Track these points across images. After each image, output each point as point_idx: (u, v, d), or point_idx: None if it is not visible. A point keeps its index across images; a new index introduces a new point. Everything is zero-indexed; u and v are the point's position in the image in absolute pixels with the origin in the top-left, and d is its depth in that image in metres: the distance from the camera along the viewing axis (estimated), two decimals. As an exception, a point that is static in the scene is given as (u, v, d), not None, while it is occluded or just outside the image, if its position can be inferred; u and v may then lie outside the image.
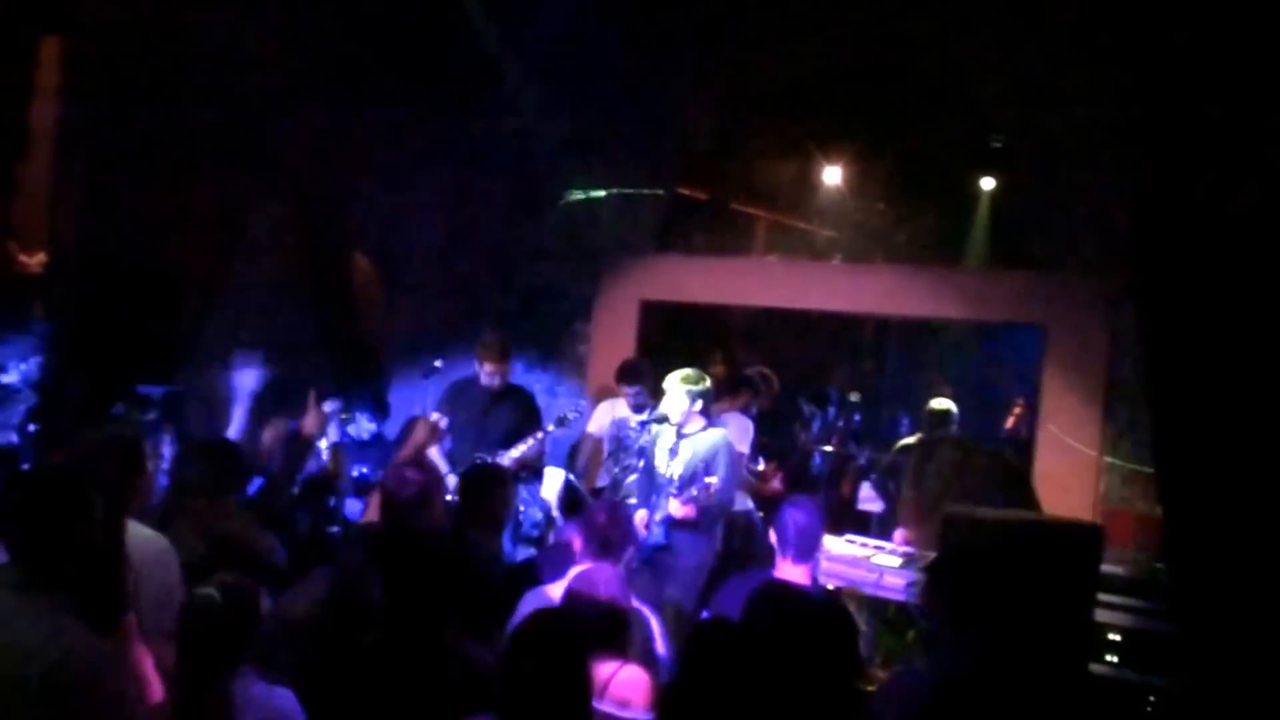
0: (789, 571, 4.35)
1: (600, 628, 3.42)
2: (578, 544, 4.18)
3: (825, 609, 3.30)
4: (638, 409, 6.66)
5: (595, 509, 4.31)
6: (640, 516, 5.88)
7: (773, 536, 4.46)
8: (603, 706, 3.27)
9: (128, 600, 3.14)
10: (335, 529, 5.64)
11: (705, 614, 4.44)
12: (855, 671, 3.23)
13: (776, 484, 7.32)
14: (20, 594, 2.59)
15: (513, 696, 2.70)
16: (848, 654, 3.13)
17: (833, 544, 5.48)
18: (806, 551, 4.40)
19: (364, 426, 7.01)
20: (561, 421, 6.55)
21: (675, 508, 5.69)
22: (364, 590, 3.63)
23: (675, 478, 5.81)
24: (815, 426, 8.68)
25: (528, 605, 3.88)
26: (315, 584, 3.99)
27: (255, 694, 2.97)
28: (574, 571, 3.94)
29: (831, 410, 8.83)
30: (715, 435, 5.92)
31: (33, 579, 2.60)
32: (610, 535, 4.13)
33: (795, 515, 4.39)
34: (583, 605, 3.48)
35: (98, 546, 2.80)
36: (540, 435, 6.45)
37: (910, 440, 7.13)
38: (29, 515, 2.65)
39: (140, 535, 3.60)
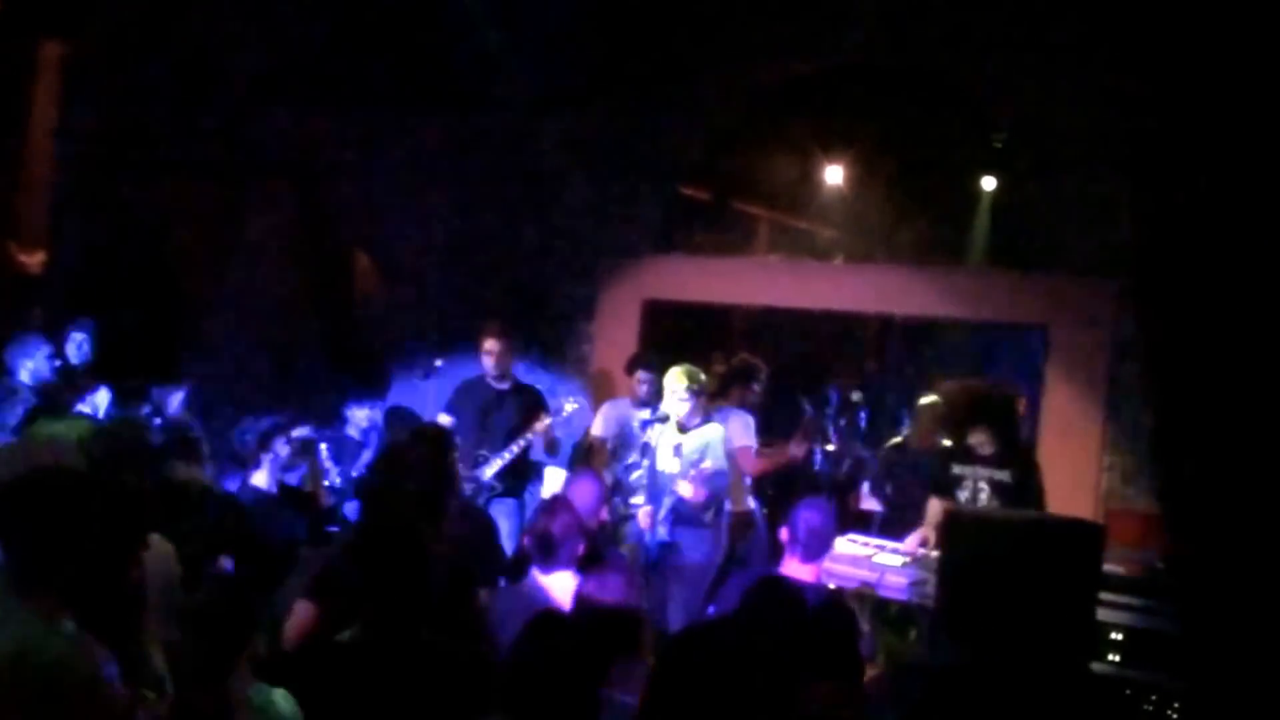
0: (796, 570, 4.34)
1: (613, 630, 3.42)
2: (526, 545, 4.15)
3: (825, 606, 3.28)
4: (645, 402, 6.65)
5: (539, 512, 4.22)
6: (644, 514, 5.92)
7: (783, 534, 4.47)
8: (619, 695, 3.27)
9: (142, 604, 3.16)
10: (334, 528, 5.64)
11: (711, 610, 4.44)
12: (856, 670, 3.22)
13: (794, 449, 7.00)
14: (16, 595, 2.58)
15: (522, 700, 2.69)
16: (847, 653, 3.13)
17: (834, 543, 5.47)
18: (816, 552, 4.40)
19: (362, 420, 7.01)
20: (559, 413, 6.57)
21: (685, 489, 5.77)
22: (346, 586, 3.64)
23: (676, 474, 5.89)
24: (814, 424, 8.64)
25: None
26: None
27: (254, 695, 2.97)
28: (534, 574, 4.01)
29: (832, 409, 8.80)
30: (712, 429, 6.07)
31: (29, 580, 2.60)
32: (549, 539, 4.07)
33: (808, 515, 4.39)
34: (593, 609, 3.47)
35: (108, 548, 2.81)
36: (537, 428, 6.48)
37: (898, 439, 7.13)
38: (24, 516, 2.65)
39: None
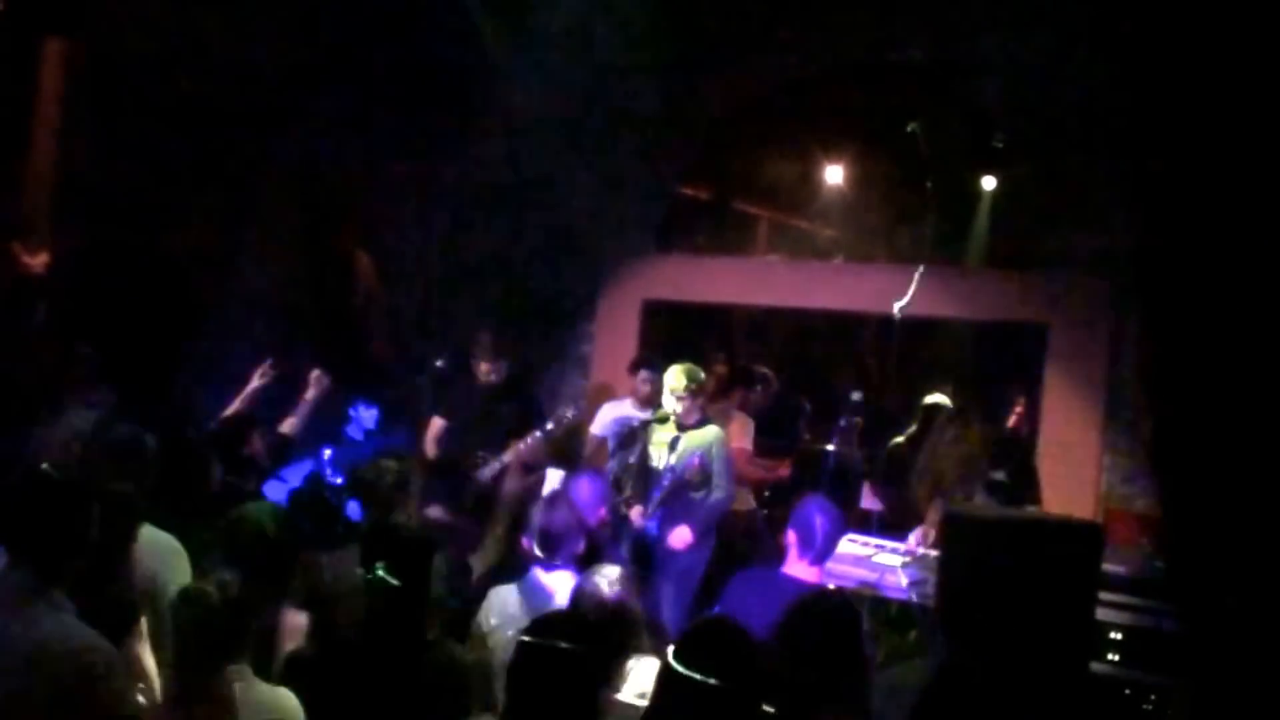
0: (803, 571, 4.29)
1: (613, 625, 3.43)
2: (526, 545, 4.16)
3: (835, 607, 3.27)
4: (647, 401, 6.66)
5: (540, 508, 4.21)
6: (636, 512, 5.95)
7: (790, 535, 4.37)
8: (622, 697, 3.28)
9: (136, 604, 3.17)
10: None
11: (717, 610, 4.42)
12: (863, 672, 3.22)
13: (784, 470, 7.35)
14: (23, 596, 2.60)
15: (519, 698, 2.69)
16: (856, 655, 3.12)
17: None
18: (826, 555, 4.36)
19: (364, 416, 7.02)
20: (559, 421, 6.58)
21: (677, 541, 5.86)
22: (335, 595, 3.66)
23: (671, 469, 5.93)
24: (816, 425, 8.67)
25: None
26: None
27: (256, 695, 2.98)
28: (534, 573, 4.01)
29: (833, 410, 8.83)
30: (711, 433, 6.05)
31: (35, 581, 2.62)
32: (549, 536, 4.08)
33: (821, 519, 4.28)
34: (591, 605, 3.48)
35: (101, 549, 2.82)
36: (538, 434, 6.48)
37: (900, 438, 7.14)
38: (29, 518, 2.67)
39: (151, 537, 3.62)
